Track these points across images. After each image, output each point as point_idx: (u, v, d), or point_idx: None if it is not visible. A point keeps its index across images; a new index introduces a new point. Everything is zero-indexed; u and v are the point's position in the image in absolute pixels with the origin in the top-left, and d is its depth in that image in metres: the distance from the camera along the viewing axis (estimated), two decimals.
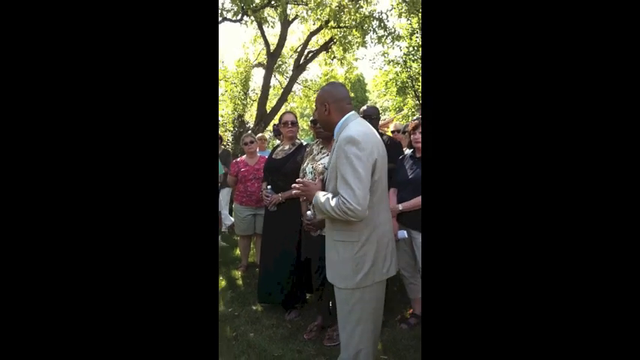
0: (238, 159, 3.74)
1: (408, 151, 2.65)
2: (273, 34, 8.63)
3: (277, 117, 6.40)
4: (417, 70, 8.50)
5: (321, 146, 2.44)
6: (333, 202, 1.44)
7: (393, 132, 4.00)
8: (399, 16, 7.54)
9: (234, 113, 8.97)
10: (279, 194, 2.69)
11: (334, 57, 8.75)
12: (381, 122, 4.04)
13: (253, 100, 9.62)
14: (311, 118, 2.63)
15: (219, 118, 8.68)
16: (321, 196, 1.52)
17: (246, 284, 3.37)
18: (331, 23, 7.30)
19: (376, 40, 7.62)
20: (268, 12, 7.27)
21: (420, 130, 2.42)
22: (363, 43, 7.76)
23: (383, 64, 9.25)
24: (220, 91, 9.28)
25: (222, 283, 3.42)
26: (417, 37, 8.14)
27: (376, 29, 7.44)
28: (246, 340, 2.42)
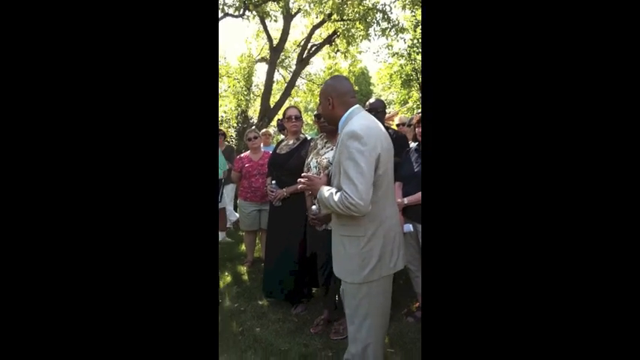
0: (242, 155, 3.73)
1: (413, 145, 2.63)
2: (275, 28, 8.59)
3: (281, 112, 6.39)
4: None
5: (325, 140, 2.43)
6: (336, 197, 1.43)
7: (398, 125, 3.97)
8: (403, 8, 7.47)
9: (237, 109, 8.96)
10: (284, 189, 2.68)
11: (338, 50, 8.70)
12: (386, 115, 4.00)
13: (256, 96, 9.61)
14: (315, 112, 2.61)
15: (223, 115, 8.68)
16: (325, 190, 1.51)
17: (252, 279, 3.38)
18: (334, 16, 7.23)
19: (380, 33, 7.55)
20: (270, 6, 7.22)
21: (421, 123, 2.39)
22: (367, 36, 7.69)
23: (387, 57, 9.19)
24: (223, 87, 9.28)
25: (228, 278, 3.43)
26: (421, 29, 8.05)
27: (380, 21, 7.37)
28: (252, 334, 2.43)
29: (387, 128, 2.68)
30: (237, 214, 4.47)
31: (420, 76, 8.65)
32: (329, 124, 1.84)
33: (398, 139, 2.74)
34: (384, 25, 7.42)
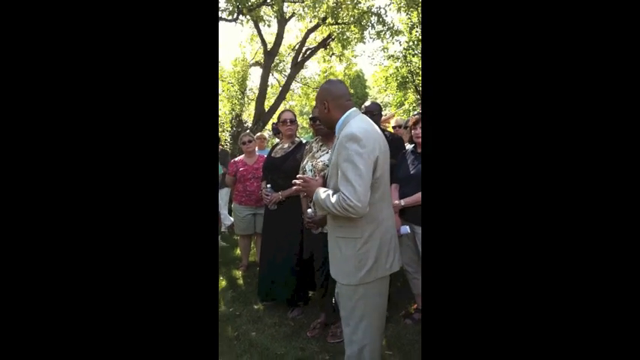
0: (237, 159, 3.72)
1: (409, 147, 2.63)
2: (269, 32, 8.60)
3: (276, 115, 6.38)
4: (417, 65, 8.46)
5: (320, 144, 2.42)
6: (333, 199, 1.43)
7: (394, 127, 3.97)
8: (398, 10, 7.50)
9: (231, 113, 8.94)
10: (279, 193, 2.67)
11: (333, 54, 8.71)
12: (382, 118, 4.00)
13: (251, 100, 9.60)
14: (310, 115, 2.61)
15: None
16: (322, 192, 1.51)
17: (247, 284, 3.36)
18: (329, 20, 7.24)
19: (375, 36, 7.57)
20: (264, 10, 7.23)
21: (421, 125, 2.40)
22: (362, 39, 7.71)
23: (383, 60, 9.21)
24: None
25: (223, 283, 3.40)
26: (416, 31, 8.09)
27: (374, 24, 7.39)
28: (248, 339, 2.40)
29: (383, 131, 2.69)
30: (232, 218, 4.44)
31: (415, 78, 8.69)
32: (326, 128, 1.84)
33: (394, 142, 2.74)
34: (379, 27, 7.43)
